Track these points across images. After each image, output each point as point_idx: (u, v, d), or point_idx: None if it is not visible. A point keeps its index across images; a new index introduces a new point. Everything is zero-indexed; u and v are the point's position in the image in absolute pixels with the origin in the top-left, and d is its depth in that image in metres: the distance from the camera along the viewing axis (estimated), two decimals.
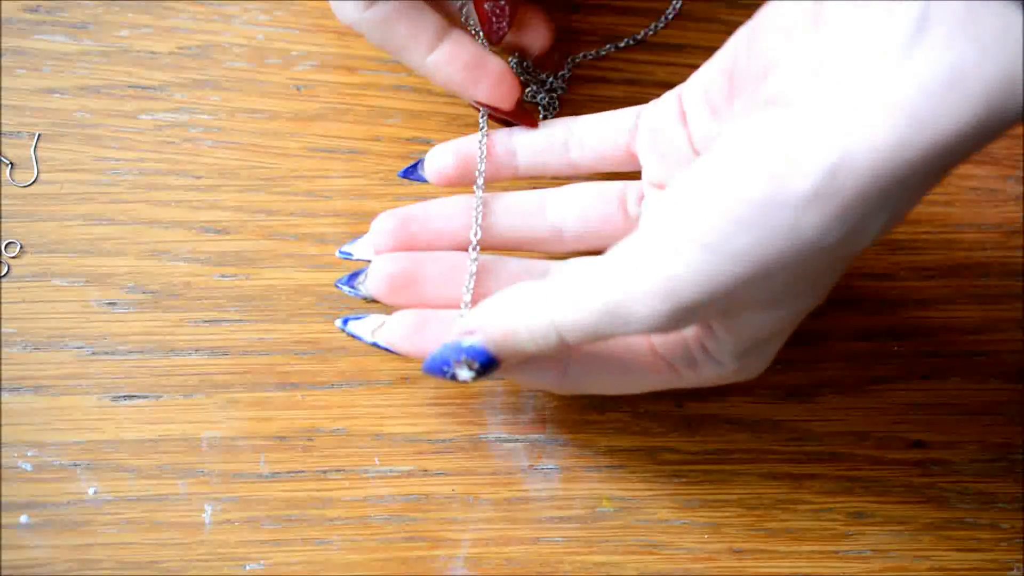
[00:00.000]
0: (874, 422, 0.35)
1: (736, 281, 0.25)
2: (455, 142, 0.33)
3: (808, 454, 0.35)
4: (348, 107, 0.37)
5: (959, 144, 0.23)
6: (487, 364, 0.28)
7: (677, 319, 0.26)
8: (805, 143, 0.23)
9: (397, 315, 0.32)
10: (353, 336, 0.32)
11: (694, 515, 0.34)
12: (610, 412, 0.35)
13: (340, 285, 0.33)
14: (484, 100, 0.33)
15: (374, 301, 0.32)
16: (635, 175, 0.33)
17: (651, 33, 0.38)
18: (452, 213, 0.33)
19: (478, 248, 0.32)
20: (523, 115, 0.34)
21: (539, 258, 0.34)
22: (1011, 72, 0.22)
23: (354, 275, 0.33)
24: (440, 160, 0.33)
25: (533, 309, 0.27)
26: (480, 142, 0.33)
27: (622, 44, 0.38)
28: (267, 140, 0.36)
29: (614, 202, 0.33)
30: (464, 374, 0.28)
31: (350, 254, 0.34)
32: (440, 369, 0.29)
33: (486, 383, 0.34)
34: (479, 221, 0.32)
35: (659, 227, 0.26)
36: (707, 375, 0.30)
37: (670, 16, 0.38)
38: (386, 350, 0.32)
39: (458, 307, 0.32)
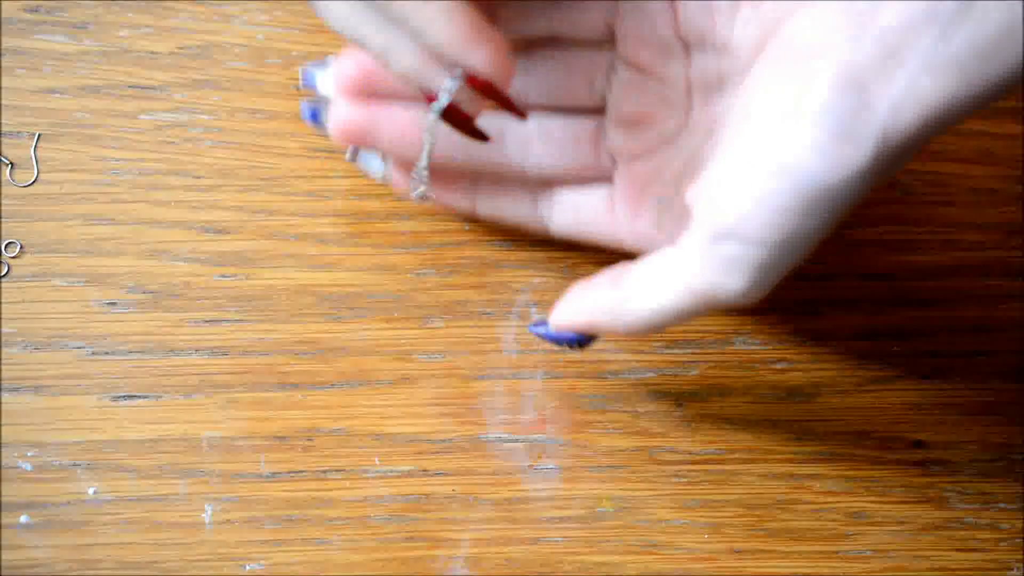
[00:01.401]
0: (874, 422, 0.35)
1: (805, 255, 0.25)
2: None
3: (808, 454, 0.35)
4: None
5: (1000, 93, 0.23)
6: (586, 343, 0.31)
7: (719, 307, 0.27)
8: (855, 107, 0.23)
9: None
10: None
11: (694, 515, 0.34)
12: (610, 412, 0.35)
13: (305, 117, 0.33)
14: (483, 69, 0.27)
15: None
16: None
17: None
18: None
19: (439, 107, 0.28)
20: (511, 103, 0.28)
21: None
22: None
23: (317, 107, 0.32)
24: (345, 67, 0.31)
25: (618, 320, 0.29)
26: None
27: None
28: (267, 140, 0.36)
29: (579, 76, 0.32)
30: (571, 351, 0.33)
31: (313, 79, 0.32)
32: (548, 341, 0.31)
33: (486, 383, 0.34)
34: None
35: (708, 224, 0.26)
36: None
37: None
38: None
39: (412, 162, 0.31)
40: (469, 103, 0.27)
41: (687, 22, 0.29)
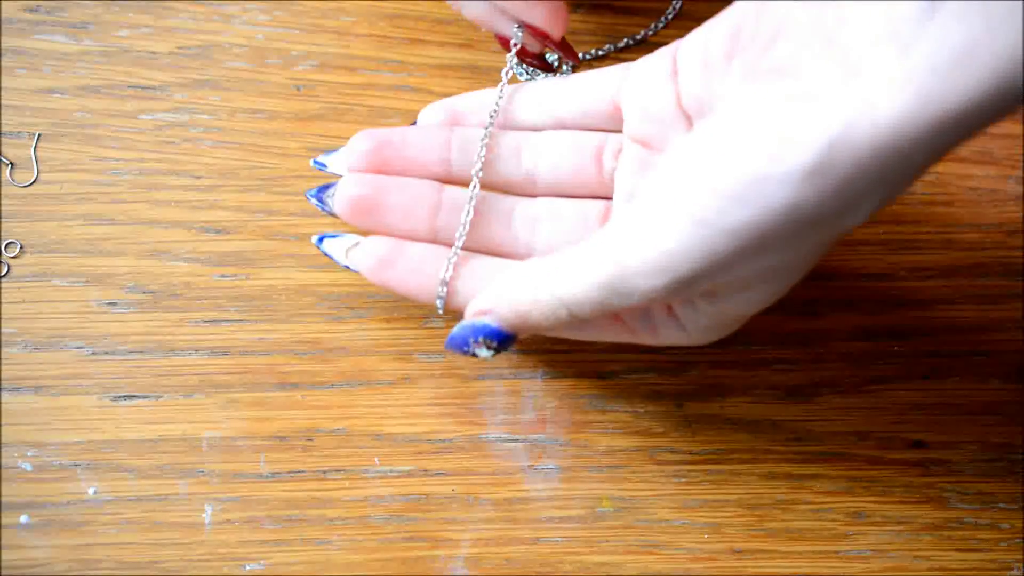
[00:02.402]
0: (874, 422, 0.35)
1: (732, 256, 0.25)
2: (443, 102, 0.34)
3: (808, 454, 0.35)
4: (348, 107, 0.37)
5: (965, 121, 0.22)
6: (504, 341, 0.29)
7: (674, 291, 0.26)
8: (806, 116, 0.23)
9: (369, 242, 0.32)
10: (327, 255, 0.32)
11: (694, 515, 0.34)
12: (610, 412, 0.35)
13: (309, 196, 0.32)
14: (538, 24, 0.33)
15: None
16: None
17: (651, 33, 0.38)
18: (429, 144, 0.32)
19: (477, 184, 0.32)
20: (568, 47, 0.35)
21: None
22: (1021, 48, 0.22)
23: (324, 188, 0.32)
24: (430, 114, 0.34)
25: (539, 288, 0.28)
26: (500, 90, 0.33)
27: (622, 44, 0.38)
28: (267, 140, 0.36)
29: (589, 154, 0.33)
30: (484, 353, 0.29)
31: (324, 165, 0.33)
32: (461, 348, 0.30)
33: (486, 383, 0.34)
34: (481, 160, 0.32)
35: (656, 200, 0.26)
36: (666, 339, 0.30)
37: (670, 16, 0.38)
38: (356, 272, 0.32)
39: (419, 238, 0.32)
40: (532, 44, 0.34)
41: (687, 91, 0.30)
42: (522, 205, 0.33)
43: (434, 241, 0.32)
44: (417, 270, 0.31)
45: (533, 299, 0.28)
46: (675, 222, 0.25)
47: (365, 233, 0.32)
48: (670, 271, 0.25)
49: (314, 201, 0.32)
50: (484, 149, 0.32)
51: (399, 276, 0.31)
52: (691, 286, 0.26)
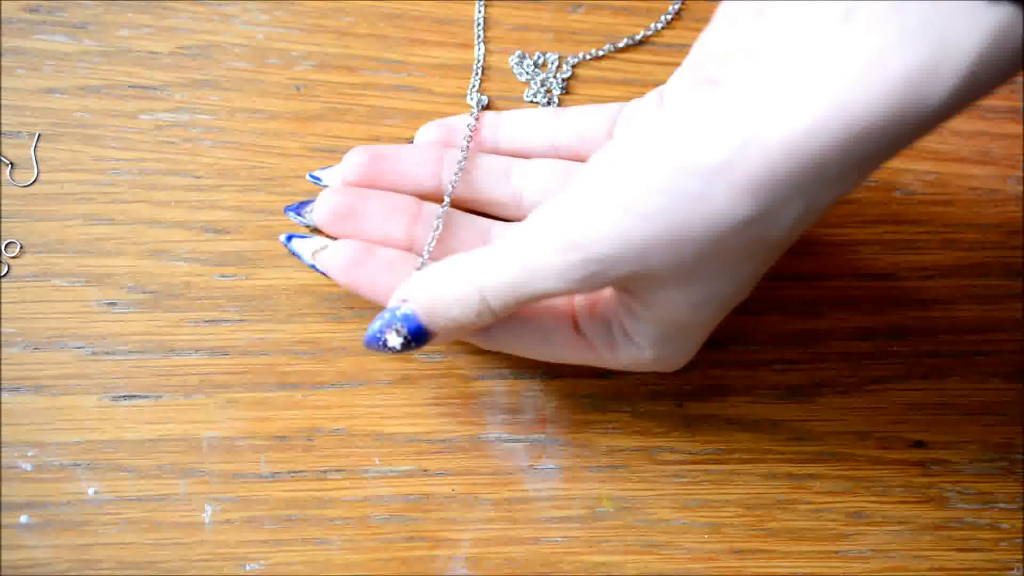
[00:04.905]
0: (874, 422, 0.35)
1: (645, 241, 0.25)
2: (436, 124, 0.35)
3: (808, 454, 0.35)
4: (348, 107, 0.37)
5: (877, 131, 0.23)
6: (416, 332, 0.29)
7: (588, 272, 0.26)
8: (724, 118, 0.24)
9: (339, 243, 0.32)
10: (293, 253, 0.33)
11: (694, 515, 0.34)
12: (610, 412, 0.35)
13: (288, 212, 0.34)
14: None
15: (320, 232, 0.33)
16: None
17: (651, 33, 0.38)
18: (422, 160, 0.34)
19: (449, 199, 0.33)
20: None
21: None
22: (932, 60, 0.22)
23: (302, 204, 0.33)
24: (428, 133, 0.35)
25: (458, 274, 0.28)
26: (473, 102, 0.34)
27: (622, 44, 0.38)
28: (267, 140, 0.36)
29: None
30: (394, 340, 0.29)
31: (320, 179, 0.34)
32: (376, 339, 0.30)
33: (486, 383, 0.34)
34: (456, 178, 0.33)
35: (575, 190, 0.27)
36: (625, 358, 0.31)
37: (670, 16, 0.38)
38: (323, 274, 0.32)
39: (394, 245, 0.32)
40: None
41: None
42: (499, 224, 0.34)
43: (409, 249, 0.32)
44: (387, 271, 0.31)
45: (449, 283, 0.29)
46: (595, 206, 0.26)
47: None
48: (582, 248, 0.26)
49: (292, 215, 0.34)
50: (463, 164, 0.33)
51: (368, 276, 0.32)
52: (607, 270, 0.26)
